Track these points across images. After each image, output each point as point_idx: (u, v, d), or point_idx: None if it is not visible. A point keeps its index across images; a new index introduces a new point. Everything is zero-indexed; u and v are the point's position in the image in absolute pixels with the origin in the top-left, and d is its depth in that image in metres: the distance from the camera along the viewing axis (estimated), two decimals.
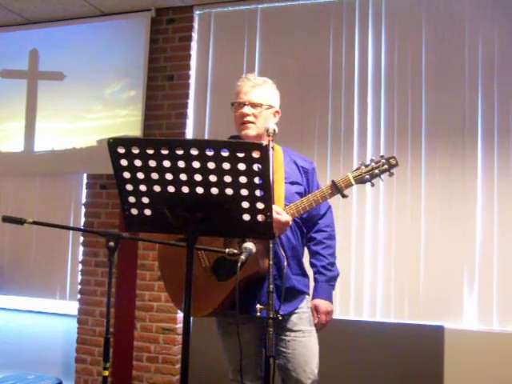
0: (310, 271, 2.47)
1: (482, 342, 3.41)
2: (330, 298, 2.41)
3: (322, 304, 2.37)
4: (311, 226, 2.46)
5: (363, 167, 2.23)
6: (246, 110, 2.34)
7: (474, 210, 3.56)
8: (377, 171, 2.22)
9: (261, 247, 2.08)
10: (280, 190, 2.31)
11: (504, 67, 3.58)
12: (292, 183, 2.38)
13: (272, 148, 2.20)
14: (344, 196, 2.23)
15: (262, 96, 2.36)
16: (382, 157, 2.24)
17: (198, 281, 2.25)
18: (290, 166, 2.43)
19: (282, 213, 2.16)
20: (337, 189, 2.21)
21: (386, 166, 2.22)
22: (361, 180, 2.22)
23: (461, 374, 3.39)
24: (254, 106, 2.35)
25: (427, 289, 3.58)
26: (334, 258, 2.46)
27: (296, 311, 2.35)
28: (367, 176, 2.22)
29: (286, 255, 2.24)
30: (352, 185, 2.22)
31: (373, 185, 2.24)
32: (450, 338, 3.45)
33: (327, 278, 2.41)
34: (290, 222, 2.20)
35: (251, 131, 2.34)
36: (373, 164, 2.23)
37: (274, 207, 2.15)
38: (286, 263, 2.21)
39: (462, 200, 3.58)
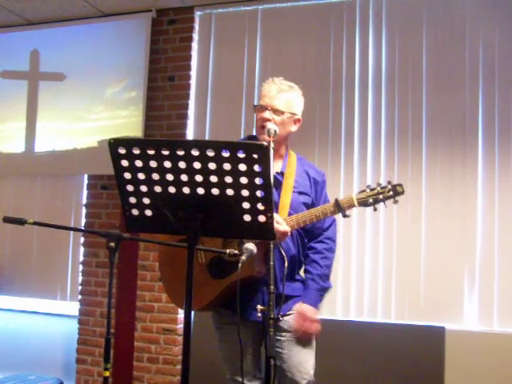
0: None
1: (482, 342, 3.41)
2: (316, 306, 2.35)
3: (309, 309, 2.31)
4: (314, 238, 2.45)
5: (368, 190, 2.21)
6: (268, 114, 2.30)
7: (474, 210, 3.55)
8: (381, 197, 2.20)
9: (258, 252, 2.08)
10: (287, 198, 2.31)
11: (504, 67, 3.58)
12: (300, 193, 2.37)
13: (273, 148, 2.20)
14: (345, 216, 2.22)
15: (285, 103, 2.32)
16: (389, 182, 2.22)
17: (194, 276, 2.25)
18: (301, 175, 2.42)
19: (281, 222, 2.16)
20: (339, 208, 2.20)
21: (391, 193, 2.20)
22: (364, 203, 2.21)
23: (461, 375, 3.39)
24: (276, 112, 2.31)
25: (428, 290, 3.58)
26: (329, 271, 2.42)
27: (290, 312, 2.34)
28: (371, 200, 2.20)
29: (282, 262, 2.22)
30: (354, 206, 2.21)
31: (375, 209, 2.23)
32: (450, 339, 3.45)
33: (320, 288, 2.36)
34: (289, 233, 2.20)
35: (267, 136, 2.30)
36: (378, 189, 2.21)
37: (275, 216, 2.16)
38: (286, 264, 2.20)
39: (463, 200, 3.58)
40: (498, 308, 3.46)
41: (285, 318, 2.32)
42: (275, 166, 2.36)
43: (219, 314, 2.38)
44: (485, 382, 3.35)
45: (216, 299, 2.28)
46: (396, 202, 2.22)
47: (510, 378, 3.30)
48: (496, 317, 3.46)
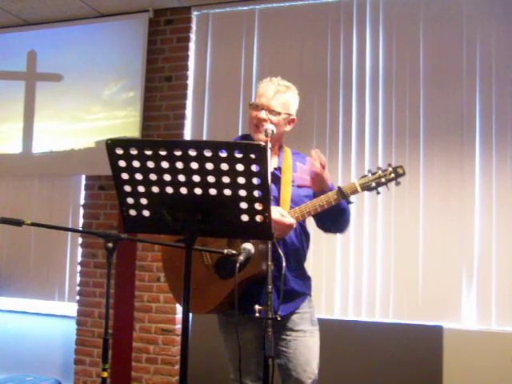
0: (312, 273, 2.48)
1: (480, 341, 3.42)
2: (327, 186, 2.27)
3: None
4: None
5: (370, 175, 2.22)
6: (264, 114, 2.30)
7: (472, 209, 3.56)
8: (383, 180, 2.21)
9: (263, 248, 2.08)
10: (287, 192, 2.31)
11: (501, 65, 3.59)
12: (299, 186, 2.37)
13: (270, 149, 2.20)
14: (349, 202, 2.23)
15: (282, 104, 2.31)
16: (389, 165, 2.23)
17: (200, 278, 2.25)
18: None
19: (286, 215, 2.17)
20: (342, 195, 2.21)
21: (392, 175, 2.21)
22: (367, 188, 2.22)
23: (459, 374, 3.39)
24: (272, 112, 2.30)
25: (426, 289, 3.59)
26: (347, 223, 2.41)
27: (297, 311, 2.35)
28: (373, 184, 2.21)
29: (286, 257, 2.23)
30: (358, 192, 2.22)
31: (378, 193, 2.23)
32: (448, 338, 3.45)
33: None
34: (294, 225, 2.20)
35: (264, 136, 2.28)
36: (380, 172, 2.22)
37: (279, 209, 2.18)
38: (284, 264, 2.21)
39: (461, 199, 3.58)
40: (496, 307, 3.47)
41: (291, 316, 2.33)
42: (272, 163, 2.36)
43: (224, 313, 2.37)
44: (483, 381, 3.35)
45: (225, 300, 2.27)
46: (398, 183, 2.23)
47: (507, 377, 3.31)
48: (494, 316, 3.47)
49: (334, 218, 2.36)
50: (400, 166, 2.23)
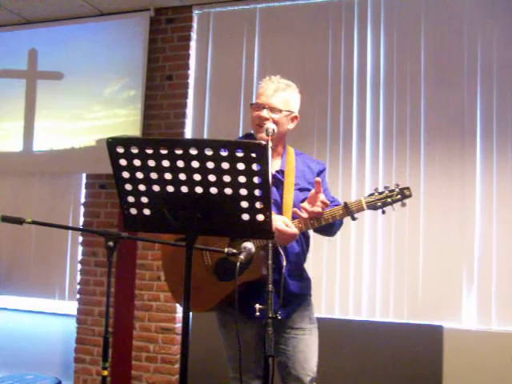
0: (312, 272, 2.48)
1: (480, 341, 3.41)
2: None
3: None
4: None
5: (376, 194, 2.23)
6: (265, 113, 2.30)
7: (473, 208, 3.56)
8: (389, 200, 2.22)
9: (264, 254, 2.09)
10: (289, 197, 2.31)
11: (502, 66, 3.58)
12: (301, 190, 2.37)
13: (271, 148, 2.19)
14: (354, 219, 2.23)
15: (282, 101, 2.31)
16: (396, 185, 2.24)
17: (199, 278, 2.25)
18: (302, 170, 2.42)
19: (290, 225, 2.18)
20: (348, 211, 2.21)
21: (399, 196, 2.22)
22: (373, 206, 2.22)
23: (460, 374, 3.39)
24: (273, 110, 2.30)
25: (426, 288, 3.59)
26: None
27: (296, 310, 2.36)
28: (379, 203, 2.22)
29: (286, 260, 2.23)
30: (363, 210, 2.22)
31: (384, 212, 2.24)
32: (448, 338, 3.45)
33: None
34: (297, 236, 2.21)
35: (265, 136, 2.27)
36: (386, 192, 2.23)
37: (284, 219, 2.19)
38: (284, 263, 2.20)
39: (461, 199, 3.58)
40: (497, 307, 3.47)
41: (291, 315, 2.34)
42: (274, 165, 2.36)
43: (224, 312, 2.38)
44: (483, 381, 3.35)
45: (223, 300, 2.28)
46: (404, 204, 2.24)
47: (507, 377, 3.31)
48: (494, 316, 3.47)
49: (329, 228, 2.38)
50: (407, 187, 2.24)
